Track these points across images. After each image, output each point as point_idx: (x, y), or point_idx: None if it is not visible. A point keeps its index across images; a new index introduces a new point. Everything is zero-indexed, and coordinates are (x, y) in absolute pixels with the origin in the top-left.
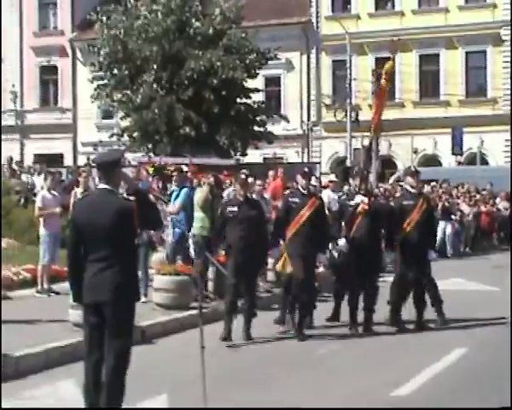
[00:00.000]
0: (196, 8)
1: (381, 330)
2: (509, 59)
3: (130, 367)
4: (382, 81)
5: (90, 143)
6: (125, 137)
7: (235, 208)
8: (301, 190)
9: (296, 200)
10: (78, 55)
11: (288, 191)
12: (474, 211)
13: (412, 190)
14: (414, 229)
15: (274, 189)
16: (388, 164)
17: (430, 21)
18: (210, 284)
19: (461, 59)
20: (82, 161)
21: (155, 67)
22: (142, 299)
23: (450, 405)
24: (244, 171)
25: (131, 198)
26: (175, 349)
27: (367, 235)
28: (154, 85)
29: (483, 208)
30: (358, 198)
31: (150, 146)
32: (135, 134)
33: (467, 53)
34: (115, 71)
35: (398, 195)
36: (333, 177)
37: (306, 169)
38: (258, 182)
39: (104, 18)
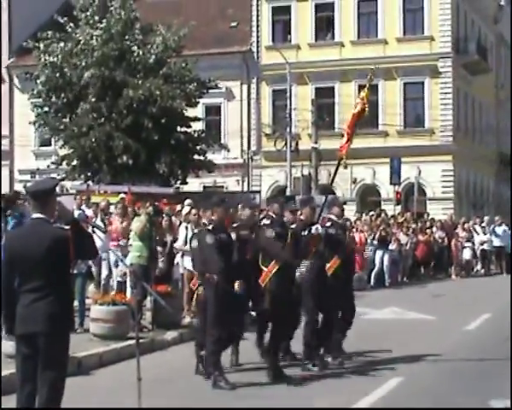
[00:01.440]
0: (137, 36)
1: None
2: (445, 90)
3: (67, 398)
4: (359, 108)
5: (28, 170)
6: (64, 166)
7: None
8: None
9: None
10: (16, 81)
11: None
12: (412, 240)
13: (339, 221)
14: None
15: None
16: (328, 193)
17: (369, 52)
18: (148, 314)
19: (399, 90)
20: (19, 188)
21: (94, 94)
22: (78, 329)
23: None
24: (188, 201)
25: (66, 227)
26: (112, 380)
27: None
28: (93, 114)
29: (420, 238)
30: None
31: (89, 174)
32: (73, 162)
33: (405, 84)
34: (54, 98)
35: (327, 224)
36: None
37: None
38: (194, 211)
39: (42, 45)
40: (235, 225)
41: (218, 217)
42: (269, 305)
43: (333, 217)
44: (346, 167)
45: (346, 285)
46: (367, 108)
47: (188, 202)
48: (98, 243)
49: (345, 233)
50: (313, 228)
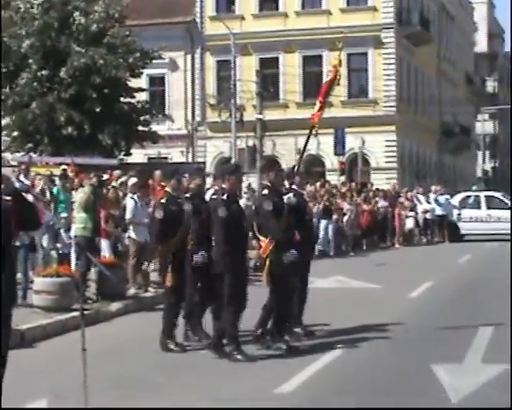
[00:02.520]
0: (79, 4)
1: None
2: (388, 61)
3: (10, 371)
4: (331, 76)
5: None
6: (4, 137)
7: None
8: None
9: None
10: None
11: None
12: (356, 210)
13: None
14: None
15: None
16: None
17: (313, 23)
18: (92, 286)
19: (343, 61)
20: None
21: (35, 64)
22: (21, 302)
23: (328, 403)
24: (117, 172)
25: (8, 198)
26: (56, 352)
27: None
28: (35, 84)
29: (365, 207)
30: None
31: (31, 146)
32: (14, 133)
33: (348, 55)
34: None
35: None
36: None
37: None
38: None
39: None
40: (187, 195)
41: (231, 186)
42: (271, 278)
43: (294, 187)
44: (316, 136)
45: (308, 256)
46: (339, 76)
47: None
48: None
49: (306, 203)
50: (285, 198)
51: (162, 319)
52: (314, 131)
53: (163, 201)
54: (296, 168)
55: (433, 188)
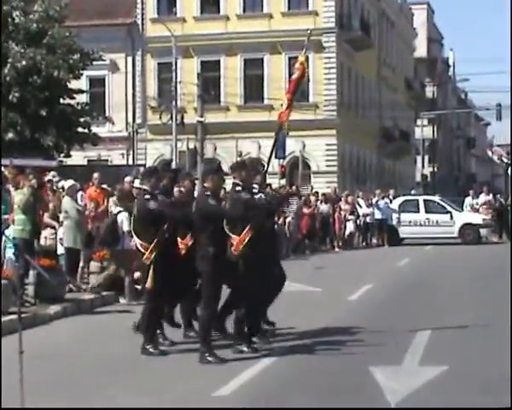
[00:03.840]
0: (18, 3)
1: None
2: (329, 65)
3: None
4: (298, 73)
5: None
6: None
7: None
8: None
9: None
10: None
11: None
12: (296, 213)
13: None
14: None
15: (89, 195)
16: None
17: (254, 26)
18: (30, 289)
19: (284, 64)
20: None
21: None
22: None
23: (268, 404)
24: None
25: None
26: None
27: None
28: None
29: (305, 211)
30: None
31: None
32: None
33: (289, 58)
34: None
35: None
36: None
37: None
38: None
39: None
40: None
41: (214, 184)
42: (243, 274)
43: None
44: (287, 134)
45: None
46: (306, 73)
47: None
48: None
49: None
50: (257, 197)
51: (142, 324)
52: (285, 130)
53: (147, 197)
54: (265, 169)
55: (377, 192)
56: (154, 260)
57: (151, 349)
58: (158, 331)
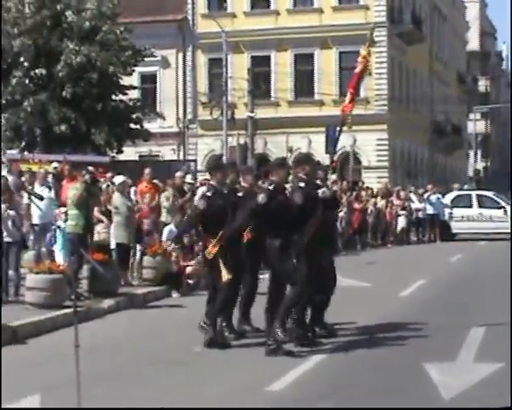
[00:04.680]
0: (70, 2)
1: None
2: (380, 60)
3: (2, 367)
4: (361, 67)
5: None
6: None
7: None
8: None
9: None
10: None
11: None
12: (347, 208)
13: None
14: None
15: (141, 190)
16: (263, 162)
17: (305, 21)
18: (84, 283)
19: (335, 59)
20: None
21: (27, 62)
22: (12, 299)
23: (319, 402)
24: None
25: None
26: (48, 349)
27: None
28: (27, 82)
29: (356, 206)
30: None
31: (23, 144)
32: (7, 133)
33: (340, 53)
34: None
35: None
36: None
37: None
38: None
39: None
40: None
41: (280, 178)
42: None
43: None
44: (350, 127)
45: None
46: (368, 67)
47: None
48: (37, 212)
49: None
50: (320, 191)
51: (210, 316)
52: (348, 123)
53: (208, 193)
54: (333, 163)
55: (429, 187)
56: (221, 254)
57: (219, 341)
58: (224, 324)
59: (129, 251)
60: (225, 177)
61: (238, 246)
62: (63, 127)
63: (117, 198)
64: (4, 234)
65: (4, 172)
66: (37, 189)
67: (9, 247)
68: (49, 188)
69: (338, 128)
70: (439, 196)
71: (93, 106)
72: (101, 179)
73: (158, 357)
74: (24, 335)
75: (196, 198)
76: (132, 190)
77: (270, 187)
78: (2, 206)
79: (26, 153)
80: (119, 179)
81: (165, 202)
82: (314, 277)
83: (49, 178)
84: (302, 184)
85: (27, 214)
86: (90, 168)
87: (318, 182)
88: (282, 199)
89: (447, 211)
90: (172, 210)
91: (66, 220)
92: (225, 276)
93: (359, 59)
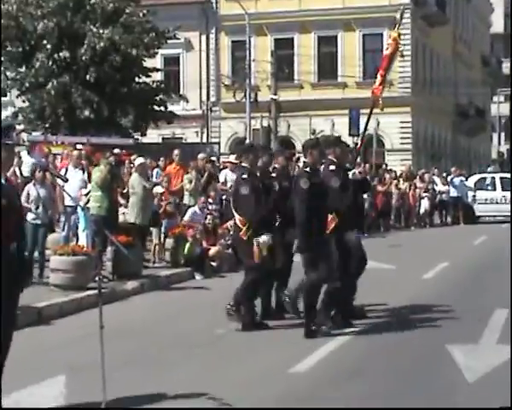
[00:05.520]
0: None
1: None
2: (403, 42)
3: (27, 348)
4: (391, 49)
5: None
6: (21, 117)
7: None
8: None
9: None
10: None
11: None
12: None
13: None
14: None
15: (168, 172)
16: (287, 145)
17: (328, 3)
18: (108, 265)
19: (358, 41)
20: None
21: (51, 44)
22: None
23: (345, 381)
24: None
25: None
26: (73, 330)
27: None
28: (50, 64)
29: (379, 188)
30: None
31: (47, 126)
32: (30, 115)
33: (364, 35)
34: (9, 48)
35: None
36: (232, 157)
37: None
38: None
39: None
40: (274, 174)
41: (313, 159)
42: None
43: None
44: (382, 109)
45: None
46: (399, 49)
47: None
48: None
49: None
50: (351, 173)
51: (242, 297)
52: (379, 105)
53: (245, 176)
54: (359, 144)
55: (453, 169)
56: (254, 236)
57: (247, 321)
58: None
59: (143, 231)
60: (257, 159)
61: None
62: (87, 111)
63: (134, 179)
64: (33, 216)
65: (24, 154)
66: (71, 171)
67: (37, 228)
68: (83, 170)
69: (369, 111)
70: (463, 178)
71: (117, 89)
72: (127, 161)
73: (182, 339)
74: (49, 316)
75: (220, 181)
76: (155, 171)
77: (307, 169)
78: (32, 187)
79: (49, 135)
80: (138, 161)
81: (187, 184)
82: (344, 259)
83: (83, 160)
84: (333, 167)
85: (60, 196)
86: (117, 150)
87: (347, 165)
88: (318, 181)
89: (471, 194)
90: (195, 193)
91: (87, 202)
92: (255, 258)
93: (389, 41)
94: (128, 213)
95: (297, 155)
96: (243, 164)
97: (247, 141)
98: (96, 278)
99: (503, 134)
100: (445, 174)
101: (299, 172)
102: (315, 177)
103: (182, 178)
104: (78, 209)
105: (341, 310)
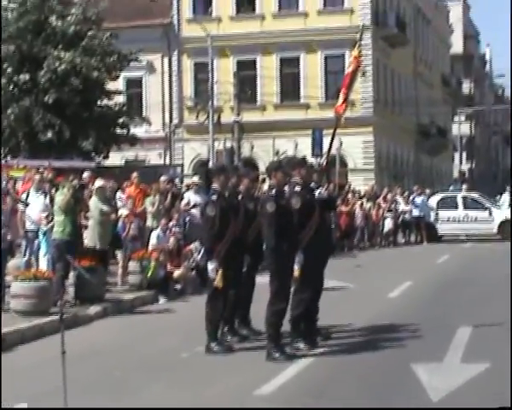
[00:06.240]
0: (55, 8)
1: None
2: (365, 63)
3: None
4: (353, 66)
5: None
6: None
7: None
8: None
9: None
10: None
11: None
12: (333, 212)
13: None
14: None
15: (129, 195)
16: (250, 165)
17: (290, 25)
18: (70, 290)
19: (320, 62)
20: None
21: (11, 68)
22: None
23: (311, 403)
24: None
25: None
26: (35, 356)
27: None
28: (10, 88)
29: (343, 209)
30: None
31: (7, 150)
32: None
33: (326, 57)
34: None
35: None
36: (196, 179)
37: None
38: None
39: None
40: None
41: (278, 181)
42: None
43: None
44: (344, 127)
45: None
46: (361, 66)
47: (86, 174)
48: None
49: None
50: (317, 192)
51: (208, 322)
52: (341, 123)
53: (214, 198)
54: (324, 164)
55: (415, 188)
56: (223, 259)
57: (215, 348)
58: (226, 328)
59: (107, 255)
60: (228, 180)
61: (241, 255)
62: (48, 134)
63: (92, 202)
64: None
65: None
66: (33, 194)
67: None
68: (45, 194)
69: (334, 129)
70: (425, 197)
71: (78, 112)
72: (90, 184)
73: (146, 363)
74: (10, 342)
75: (183, 203)
76: (118, 194)
77: (272, 192)
78: None
79: (9, 159)
80: (96, 184)
81: (149, 207)
82: (313, 279)
83: (46, 184)
84: (298, 188)
85: (21, 220)
86: (86, 174)
87: (313, 184)
88: (282, 204)
89: (433, 213)
90: (157, 215)
91: (52, 226)
92: (218, 282)
93: (351, 59)
94: (86, 238)
95: (262, 177)
96: (213, 185)
97: (210, 163)
98: (58, 303)
99: (464, 154)
100: (406, 193)
101: (264, 196)
102: (281, 199)
103: (142, 201)
104: (40, 233)
105: (306, 331)
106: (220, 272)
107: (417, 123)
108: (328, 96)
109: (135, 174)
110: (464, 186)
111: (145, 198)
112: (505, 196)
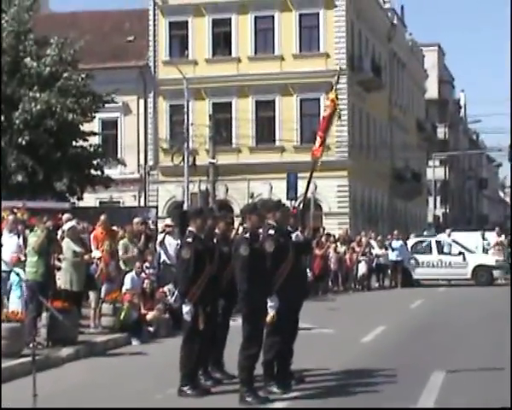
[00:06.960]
0: (31, 48)
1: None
2: (340, 107)
3: None
4: (329, 110)
5: None
6: None
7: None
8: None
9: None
10: None
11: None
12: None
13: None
14: None
15: (95, 237)
16: (225, 208)
17: (266, 68)
18: (42, 331)
19: (295, 106)
20: None
21: None
22: None
23: None
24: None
25: None
26: (6, 399)
27: None
28: None
29: (317, 252)
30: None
31: None
32: None
33: (301, 100)
34: None
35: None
36: (169, 221)
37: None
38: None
39: None
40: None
41: (252, 224)
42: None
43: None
44: (320, 170)
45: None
46: (338, 109)
47: (66, 216)
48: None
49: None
50: (293, 236)
51: (182, 365)
52: (317, 167)
53: (189, 240)
54: (302, 206)
55: (395, 232)
56: (199, 301)
57: (188, 391)
58: (200, 372)
59: (76, 298)
60: (205, 223)
61: (216, 297)
62: (20, 176)
63: (64, 244)
64: None
65: None
66: (6, 235)
67: None
68: (18, 235)
69: (308, 174)
70: (402, 242)
71: (51, 152)
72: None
73: (119, 405)
74: None
75: (157, 243)
76: (92, 236)
77: (246, 235)
78: None
79: None
80: (67, 225)
81: (121, 251)
82: (286, 322)
83: (19, 225)
84: (272, 232)
85: None
86: (66, 216)
87: (289, 228)
88: (256, 247)
89: (408, 257)
90: (129, 260)
91: (23, 266)
92: (201, 323)
93: (327, 102)
94: (60, 279)
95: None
96: (190, 228)
97: (185, 205)
98: (30, 345)
99: (438, 198)
100: (380, 237)
101: (238, 239)
102: (255, 242)
103: (111, 243)
104: (12, 274)
105: (280, 375)
106: (201, 313)
107: (392, 167)
108: (304, 139)
109: (103, 217)
110: (426, 232)
111: (115, 240)
112: (491, 237)
